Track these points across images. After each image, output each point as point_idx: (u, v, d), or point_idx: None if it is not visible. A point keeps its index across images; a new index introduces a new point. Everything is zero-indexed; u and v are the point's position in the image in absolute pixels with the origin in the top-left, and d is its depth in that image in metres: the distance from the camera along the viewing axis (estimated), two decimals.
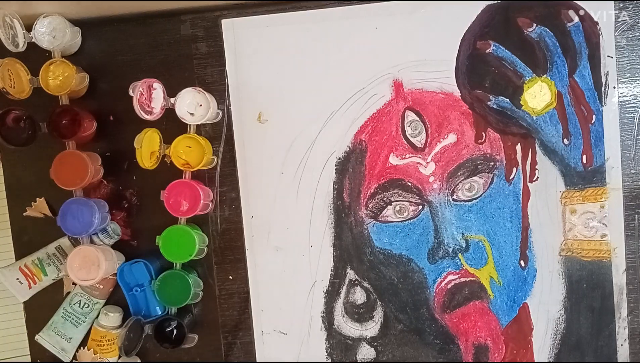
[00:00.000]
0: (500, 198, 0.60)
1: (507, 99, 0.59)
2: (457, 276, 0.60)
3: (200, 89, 0.57)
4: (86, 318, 0.61)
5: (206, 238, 0.61)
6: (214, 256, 0.62)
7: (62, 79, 0.57)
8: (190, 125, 0.58)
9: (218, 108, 0.60)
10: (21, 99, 0.56)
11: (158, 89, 0.56)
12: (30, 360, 0.64)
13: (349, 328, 0.62)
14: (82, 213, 0.57)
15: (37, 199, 0.63)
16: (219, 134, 0.61)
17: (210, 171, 0.62)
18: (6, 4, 0.56)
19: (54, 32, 0.56)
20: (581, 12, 0.57)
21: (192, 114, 0.57)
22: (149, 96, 0.56)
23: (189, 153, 0.58)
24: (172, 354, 0.62)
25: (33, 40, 0.56)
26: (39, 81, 0.56)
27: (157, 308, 0.60)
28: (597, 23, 0.57)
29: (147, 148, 0.56)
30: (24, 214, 0.63)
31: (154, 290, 0.59)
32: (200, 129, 0.61)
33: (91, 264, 0.57)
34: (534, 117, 0.59)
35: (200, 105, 0.56)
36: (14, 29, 0.55)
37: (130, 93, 0.56)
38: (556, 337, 0.60)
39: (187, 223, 0.60)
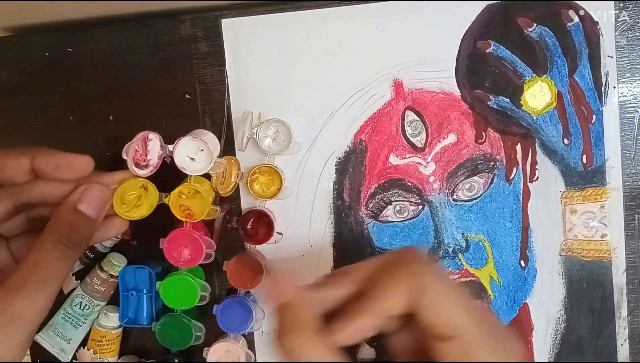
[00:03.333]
0: (500, 198, 0.60)
1: (507, 99, 0.59)
2: (457, 276, 0.60)
3: (197, 138, 0.52)
4: (86, 319, 0.61)
5: (208, 286, 0.61)
6: (215, 255, 0.62)
7: (266, 187, 0.58)
8: (190, 176, 0.53)
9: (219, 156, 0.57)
10: (222, 195, 0.57)
11: (154, 139, 0.51)
12: (30, 360, 0.64)
13: None
14: (239, 314, 0.59)
15: None
16: (219, 134, 0.61)
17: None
18: (5, 4, 0.56)
19: (275, 135, 0.57)
20: (581, 12, 0.57)
21: (192, 159, 0.52)
22: (144, 151, 0.51)
23: (190, 201, 0.53)
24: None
25: (254, 137, 0.57)
26: (248, 183, 0.57)
27: (145, 317, 0.60)
28: (597, 23, 0.57)
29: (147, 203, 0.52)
30: None
31: (155, 332, 0.59)
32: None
33: (232, 357, 0.58)
34: (534, 117, 0.59)
35: (202, 150, 0.52)
36: (244, 128, 0.57)
37: (124, 156, 0.51)
38: (556, 337, 0.60)
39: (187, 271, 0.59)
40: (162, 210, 0.58)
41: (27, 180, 0.42)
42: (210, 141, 0.55)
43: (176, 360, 0.61)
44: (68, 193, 0.43)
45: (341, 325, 0.33)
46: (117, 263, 0.60)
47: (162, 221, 0.58)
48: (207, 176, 0.55)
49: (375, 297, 0.33)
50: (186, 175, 0.53)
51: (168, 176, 0.53)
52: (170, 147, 0.52)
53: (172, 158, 0.52)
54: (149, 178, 0.51)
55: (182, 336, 0.59)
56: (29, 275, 0.38)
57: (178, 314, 0.59)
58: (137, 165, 0.51)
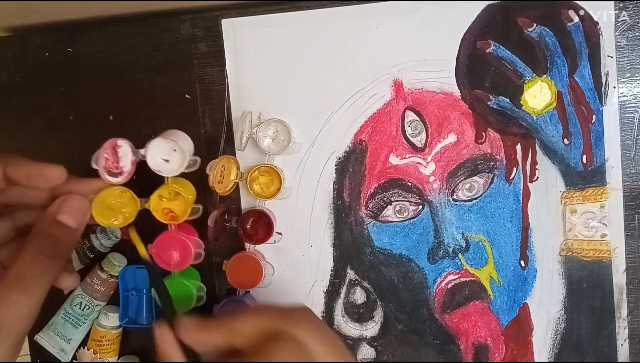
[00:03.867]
0: (500, 198, 0.60)
1: (507, 99, 0.59)
2: (457, 276, 0.60)
3: (168, 138, 0.51)
4: (86, 319, 0.61)
5: (204, 286, 0.61)
6: (214, 256, 0.62)
7: (265, 187, 0.58)
8: (167, 178, 0.52)
9: (194, 154, 0.54)
10: (220, 194, 0.57)
11: (124, 146, 0.49)
12: (30, 360, 0.64)
13: (349, 328, 0.62)
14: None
15: None
16: (219, 134, 0.61)
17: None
18: (5, 4, 0.56)
19: (275, 135, 0.57)
20: (581, 12, 0.57)
21: (167, 160, 0.50)
22: (115, 158, 0.49)
23: (172, 204, 0.52)
24: None
25: (253, 137, 0.57)
26: (247, 183, 0.57)
27: (145, 317, 0.60)
28: (597, 23, 0.57)
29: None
30: None
31: (154, 298, 0.59)
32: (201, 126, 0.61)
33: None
34: (534, 117, 0.59)
35: (175, 150, 0.50)
36: (243, 128, 0.57)
37: (94, 166, 0.49)
38: (556, 337, 0.60)
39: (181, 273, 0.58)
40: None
41: (2, 187, 0.43)
42: (183, 141, 0.53)
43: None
44: (46, 197, 0.44)
45: None
46: (117, 263, 0.60)
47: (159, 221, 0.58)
48: (188, 176, 0.54)
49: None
50: (161, 183, 0.52)
51: (148, 179, 0.52)
52: (142, 151, 0.50)
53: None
54: (128, 184, 0.50)
55: (183, 299, 0.57)
56: (12, 286, 0.39)
57: (175, 277, 0.57)
58: (110, 173, 0.49)
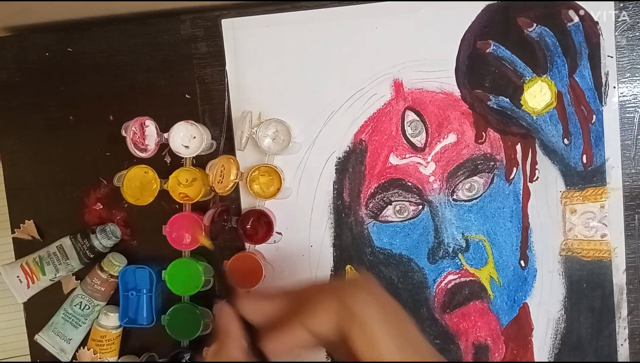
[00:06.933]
0: (500, 198, 0.60)
1: (507, 99, 0.59)
2: (457, 276, 0.60)
3: (193, 122, 0.57)
4: (86, 319, 0.61)
5: (212, 269, 0.61)
6: (214, 256, 0.62)
7: (265, 187, 0.59)
8: (185, 158, 0.58)
9: (212, 139, 0.61)
10: (220, 194, 0.59)
11: (150, 126, 0.57)
12: (30, 360, 0.64)
13: None
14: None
15: (26, 221, 0.63)
16: (219, 134, 0.61)
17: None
18: (5, 4, 0.56)
19: (275, 135, 0.58)
20: (581, 12, 0.57)
21: (186, 146, 0.57)
22: (142, 134, 0.57)
23: (188, 186, 0.58)
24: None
25: (253, 137, 0.58)
26: (247, 183, 0.58)
27: (145, 317, 0.60)
28: (597, 23, 0.57)
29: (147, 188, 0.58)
30: (12, 236, 0.63)
31: (165, 324, 0.59)
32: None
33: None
34: (534, 117, 0.59)
35: (194, 137, 0.57)
36: (243, 128, 0.58)
37: (123, 133, 0.57)
38: (556, 337, 0.60)
39: (190, 254, 0.60)
40: (158, 210, 0.58)
41: None
42: (203, 129, 0.59)
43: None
44: None
45: (269, 336, 0.33)
46: (117, 263, 0.60)
47: (159, 221, 0.59)
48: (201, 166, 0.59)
49: (304, 312, 0.33)
50: (180, 165, 0.59)
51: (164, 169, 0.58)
52: (165, 135, 0.58)
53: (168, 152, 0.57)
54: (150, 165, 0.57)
55: (191, 324, 0.59)
56: None
57: (185, 302, 0.60)
58: (137, 146, 0.57)
